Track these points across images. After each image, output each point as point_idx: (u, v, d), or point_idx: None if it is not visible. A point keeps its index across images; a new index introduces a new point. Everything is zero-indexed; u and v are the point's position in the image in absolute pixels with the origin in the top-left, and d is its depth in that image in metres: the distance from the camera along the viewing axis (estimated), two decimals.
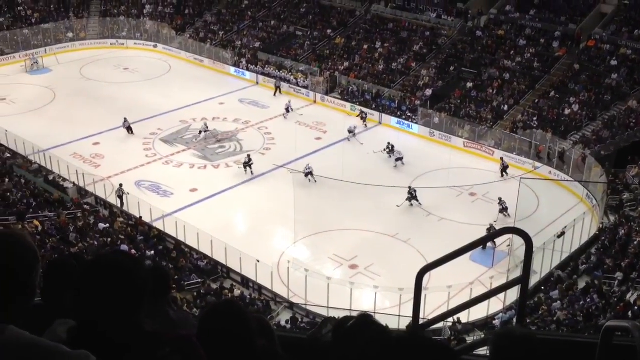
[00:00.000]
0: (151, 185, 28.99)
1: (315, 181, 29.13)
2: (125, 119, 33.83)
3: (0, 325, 1.81)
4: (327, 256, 24.19)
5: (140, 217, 25.55)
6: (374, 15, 44.97)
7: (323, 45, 44.05)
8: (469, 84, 37.10)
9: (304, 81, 40.54)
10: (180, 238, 24.60)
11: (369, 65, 40.88)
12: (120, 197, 27.30)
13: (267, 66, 42.55)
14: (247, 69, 43.00)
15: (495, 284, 16.56)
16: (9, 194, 25.53)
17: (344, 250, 24.39)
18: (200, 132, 33.90)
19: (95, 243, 22.87)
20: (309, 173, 29.24)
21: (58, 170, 29.13)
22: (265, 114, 36.98)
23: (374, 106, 37.47)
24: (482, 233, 22.68)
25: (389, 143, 31.91)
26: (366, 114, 36.18)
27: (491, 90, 36.38)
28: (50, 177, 28.98)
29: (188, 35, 47.89)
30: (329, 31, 44.81)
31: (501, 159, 31.02)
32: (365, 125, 35.74)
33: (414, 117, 35.90)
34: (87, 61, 44.92)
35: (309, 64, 42.29)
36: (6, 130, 31.80)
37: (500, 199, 26.65)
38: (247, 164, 30.02)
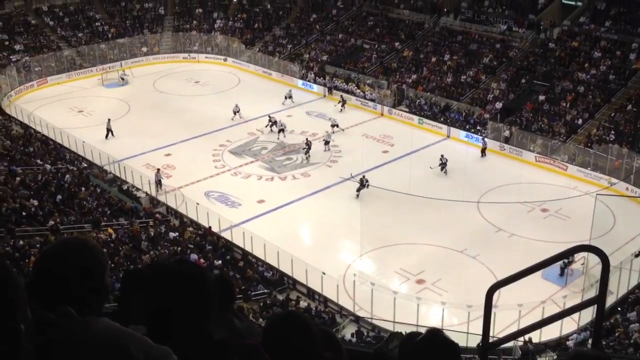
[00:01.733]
0: (220, 196, 29.48)
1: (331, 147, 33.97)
2: (108, 119, 35.66)
3: (92, 318, 1.98)
4: (393, 270, 23.98)
5: (209, 227, 26.00)
6: (442, 28, 44.62)
7: (390, 58, 43.96)
8: (541, 97, 36.23)
9: (371, 94, 40.51)
10: (248, 248, 24.87)
11: (437, 78, 40.52)
12: (159, 182, 29.26)
13: (334, 79, 42.76)
14: (315, 82, 43.31)
15: (569, 304, 15.99)
16: (85, 202, 26.44)
17: (411, 264, 24.12)
18: (235, 113, 37.60)
19: (166, 251, 23.39)
20: (327, 142, 34.06)
21: (132, 180, 29.98)
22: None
23: (441, 119, 37.09)
24: (555, 250, 21.96)
25: (306, 139, 33.72)
26: (345, 100, 39.47)
27: (564, 104, 35.39)
28: (124, 187, 29.86)
29: (257, 49, 48.68)
30: (396, 44, 44.69)
31: (482, 138, 33.84)
32: (342, 109, 39.19)
33: (483, 130, 35.31)
34: (160, 75, 46.27)
35: (376, 76, 42.28)
36: (83, 141, 33.03)
37: (441, 155, 30.88)
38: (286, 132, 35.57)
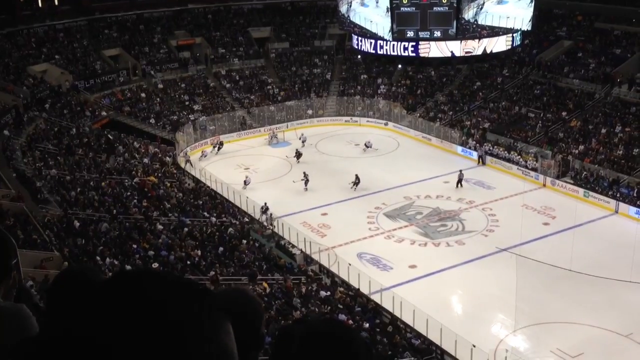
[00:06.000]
0: (372, 258, 29.62)
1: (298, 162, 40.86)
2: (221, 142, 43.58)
3: None
4: (549, 349, 22.59)
5: (358, 289, 26.07)
6: (615, 98, 42.53)
7: (557, 127, 42.49)
8: None
9: (534, 164, 39.24)
10: (397, 313, 24.61)
11: (606, 150, 38.49)
12: (265, 215, 32.68)
13: (495, 147, 41.98)
14: (475, 149, 42.76)
15: None
16: (244, 255, 27.71)
17: (569, 345, 22.62)
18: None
19: (316, 309, 23.78)
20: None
21: (288, 237, 30.99)
22: (490, 195, 36.24)
23: (610, 194, 34.99)
24: None
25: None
26: (300, 155, 42.50)
27: None
28: (282, 243, 30.94)
29: (418, 114, 49.10)
30: (563, 113, 43.19)
31: (460, 171, 36.72)
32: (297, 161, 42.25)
33: None
34: (323, 136, 47.96)
35: (540, 146, 40.97)
36: (247, 197, 34.85)
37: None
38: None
